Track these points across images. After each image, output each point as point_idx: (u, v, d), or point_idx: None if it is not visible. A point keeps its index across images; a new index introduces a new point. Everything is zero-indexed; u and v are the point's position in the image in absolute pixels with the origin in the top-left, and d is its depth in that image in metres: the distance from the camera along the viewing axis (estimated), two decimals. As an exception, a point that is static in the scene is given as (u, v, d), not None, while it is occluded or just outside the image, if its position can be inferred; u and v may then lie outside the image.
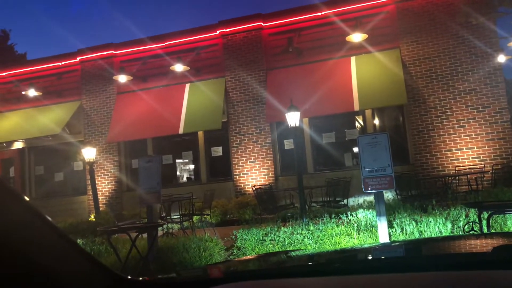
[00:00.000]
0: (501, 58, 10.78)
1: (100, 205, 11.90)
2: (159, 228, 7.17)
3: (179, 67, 11.94)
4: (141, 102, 12.62)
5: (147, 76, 12.83)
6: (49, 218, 0.94)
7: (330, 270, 1.22)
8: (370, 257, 1.59)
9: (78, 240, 7.40)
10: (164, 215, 8.61)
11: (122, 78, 12.38)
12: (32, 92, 13.37)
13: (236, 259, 4.02)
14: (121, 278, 1.16)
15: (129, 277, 1.23)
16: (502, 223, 5.22)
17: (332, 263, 1.46)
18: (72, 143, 13.36)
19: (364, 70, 11.05)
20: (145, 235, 6.47)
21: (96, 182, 12.06)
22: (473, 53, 10.43)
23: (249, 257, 2.58)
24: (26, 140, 13.78)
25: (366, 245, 2.75)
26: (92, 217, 11.28)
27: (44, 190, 13.92)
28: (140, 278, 1.31)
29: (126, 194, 12.75)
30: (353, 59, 11.29)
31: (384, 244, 2.51)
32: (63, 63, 13.70)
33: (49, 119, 13.00)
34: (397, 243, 2.39)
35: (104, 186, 12.86)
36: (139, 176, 6.83)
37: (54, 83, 13.68)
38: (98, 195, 11.94)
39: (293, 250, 2.54)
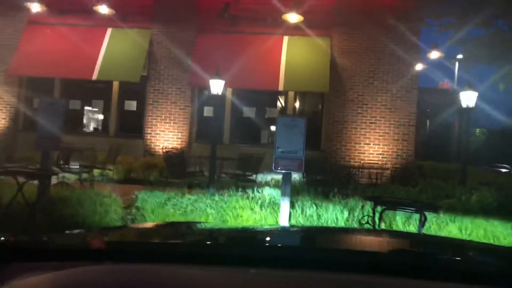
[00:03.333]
0: (419, 66, 11.52)
1: (-11, 142, 10.74)
2: (54, 177, 6.64)
3: (103, 9, 10.98)
4: (55, 38, 11.46)
5: (66, 10, 11.62)
6: None
7: (226, 258, 1.09)
8: (267, 244, 1.50)
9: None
10: (62, 163, 8.00)
11: (35, 7, 11.08)
12: None
13: (130, 225, 3.78)
14: None
15: None
16: (392, 217, 5.60)
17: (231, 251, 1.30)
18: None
19: (294, 52, 11.13)
20: (36, 182, 5.93)
21: (-12, 116, 10.84)
22: (396, 56, 10.97)
23: (144, 225, 2.38)
24: None
25: (266, 227, 2.69)
26: (-23, 154, 10.15)
27: None
28: (2, 238, 1.11)
29: (21, 135, 11.62)
30: (285, 39, 11.29)
31: (283, 229, 2.48)
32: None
33: None
34: (294, 229, 2.35)
35: (-3, 122, 11.61)
36: (39, 118, 6.30)
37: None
38: (-11, 130, 10.76)
39: (191, 223, 2.43)
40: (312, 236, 1.79)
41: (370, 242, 1.62)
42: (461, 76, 18.50)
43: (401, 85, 10.94)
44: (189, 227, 1.91)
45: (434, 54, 13.71)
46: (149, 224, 3.25)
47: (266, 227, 3.25)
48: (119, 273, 0.99)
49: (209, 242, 1.50)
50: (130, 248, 1.18)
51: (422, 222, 4.21)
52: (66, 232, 1.58)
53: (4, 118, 11.65)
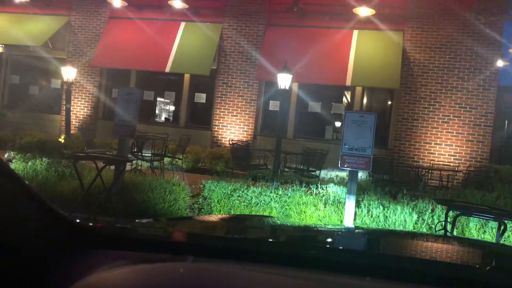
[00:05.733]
0: (499, 63, 10.74)
1: (72, 128, 11.60)
2: (128, 163, 7.05)
3: (177, 3, 11.40)
4: (132, 32, 12.09)
5: (143, 5, 12.21)
6: None
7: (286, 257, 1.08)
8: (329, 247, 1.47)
9: (44, 159, 7.21)
10: (135, 150, 8.45)
11: (117, 2, 11.76)
12: (19, -4, 12.57)
13: (200, 217, 3.89)
14: (66, 220, 1.01)
15: (78, 220, 1.08)
16: (465, 223, 5.31)
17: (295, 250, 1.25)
18: (53, 58, 12.78)
19: (364, 46, 10.84)
20: (112, 167, 6.33)
21: (72, 104, 11.70)
22: (474, 52, 10.32)
23: (210, 218, 2.46)
24: (4, 46, 13.13)
25: (330, 227, 2.64)
26: (61, 138, 11.01)
27: (16, 101, 13.45)
28: (91, 224, 1.14)
29: (101, 122, 12.45)
30: (355, 33, 11.02)
31: (348, 230, 2.43)
32: (55, -28, 12.84)
33: (34, 29, 12.34)
34: (363, 232, 2.29)
35: (80, 109, 12.50)
36: (117, 107, 6.66)
37: (43, -9, 12.87)
38: (72, 117, 11.61)
39: (264, 217, 2.46)
40: (385, 241, 1.72)
41: (449, 251, 1.55)
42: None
43: (478, 83, 10.27)
44: (257, 223, 1.94)
45: (518, 50, 12.70)
46: (215, 217, 3.32)
47: (331, 227, 3.19)
48: (202, 271, 1.00)
49: (282, 241, 1.48)
50: (209, 243, 1.18)
51: (502, 231, 3.94)
52: (137, 221, 1.61)
53: (86, 107, 12.53)
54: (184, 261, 1.02)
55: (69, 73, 10.58)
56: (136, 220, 2.46)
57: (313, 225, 2.92)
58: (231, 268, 1.01)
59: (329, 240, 1.66)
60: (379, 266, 1.05)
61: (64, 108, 11.51)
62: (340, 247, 1.50)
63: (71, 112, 11.27)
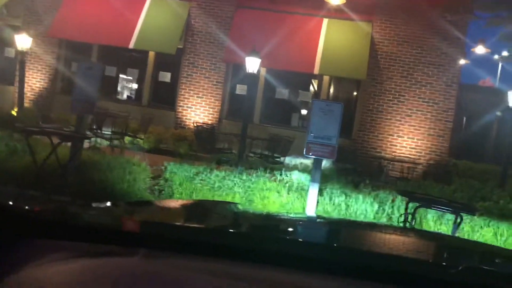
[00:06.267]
0: (462, 61, 11.05)
1: (27, 101, 10.97)
2: (87, 141, 6.73)
3: (145, -24, 10.92)
4: (95, 3, 11.48)
5: (109, -24, 11.60)
6: None
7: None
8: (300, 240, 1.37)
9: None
10: (95, 128, 8.11)
11: (80, -30, 11.12)
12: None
13: (159, 201, 3.70)
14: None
15: (11, 203, 0.92)
16: (423, 215, 5.43)
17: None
18: (8, 26, 11.96)
19: (333, 36, 10.83)
20: (69, 144, 6.01)
21: (27, 75, 11.04)
22: (439, 48, 10.53)
23: (172, 203, 2.30)
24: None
25: (294, 216, 2.56)
26: (14, 111, 10.40)
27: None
28: (27, 207, 0.98)
29: (58, 97, 11.83)
30: (325, 21, 10.98)
31: (309, 219, 2.37)
32: None
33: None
34: (325, 222, 2.21)
35: (36, 82, 11.81)
36: (76, 81, 6.35)
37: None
38: (27, 90, 10.98)
39: (226, 203, 2.35)
40: (347, 233, 1.64)
41: (412, 245, 1.51)
42: (505, 74, 17.73)
43: (442, 79, 10.52)
44: (221, 210, 1.82)
45: (480, 49, 13.16)
46: (177, 202, 3.18)
47: (293, 215, 3.12)
48: (154, 266, 0.88)
49: (243, 233, 1.33)
50: (164, 234, 1.06)
51: (458, 224, 4.03)
52: (93, 204, 1.46)
53: (43, 79, 11.86)
54: (135, 255, 0.89)
55: (23, 41, 9.94)
56: (86, 203, 2.26)
57: (276, 214, 2.84)
58: (188, 263, 0.89)
59: (292, 231, 1.57)
60: (343, 262, 0.96)
61: (18, 79, 10.84)
62: (305, 240, 1.40)
63: (25, 84, 10.65)
